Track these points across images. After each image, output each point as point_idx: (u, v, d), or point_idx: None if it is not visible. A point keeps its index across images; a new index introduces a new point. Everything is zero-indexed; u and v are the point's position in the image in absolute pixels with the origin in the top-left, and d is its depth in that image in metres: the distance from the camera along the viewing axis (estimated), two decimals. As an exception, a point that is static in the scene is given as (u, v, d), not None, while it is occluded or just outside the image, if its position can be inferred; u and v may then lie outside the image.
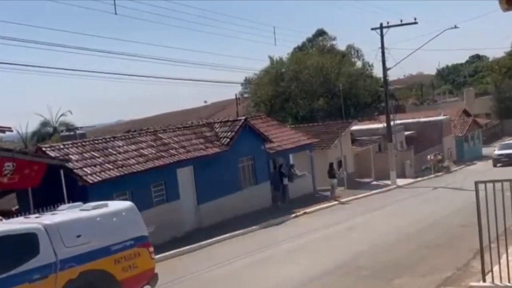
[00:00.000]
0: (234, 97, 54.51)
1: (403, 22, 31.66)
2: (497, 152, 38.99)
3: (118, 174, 16.85)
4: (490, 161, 38.60)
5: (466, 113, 52.74)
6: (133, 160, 18.00)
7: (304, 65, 48.98)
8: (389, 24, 31.86)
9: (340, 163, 29.54)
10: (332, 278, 11.18)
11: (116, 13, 19.53)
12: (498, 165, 37.34)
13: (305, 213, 21.52)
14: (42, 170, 14.85)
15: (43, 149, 16.67)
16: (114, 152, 18.08)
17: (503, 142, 42.81)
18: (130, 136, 20.17)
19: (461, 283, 9.50)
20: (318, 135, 30.44)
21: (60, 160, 15.62)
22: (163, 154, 19.26)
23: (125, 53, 34.41)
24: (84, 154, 17.16)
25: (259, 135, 24.01)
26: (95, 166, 16.70)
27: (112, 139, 19.17)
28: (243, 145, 22.59)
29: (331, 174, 26.64)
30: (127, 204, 10.27)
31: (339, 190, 27.32)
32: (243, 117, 25.22)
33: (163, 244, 16.60)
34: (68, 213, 9.42)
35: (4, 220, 10.31)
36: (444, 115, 46.09)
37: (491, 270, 8.22)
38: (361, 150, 35.00)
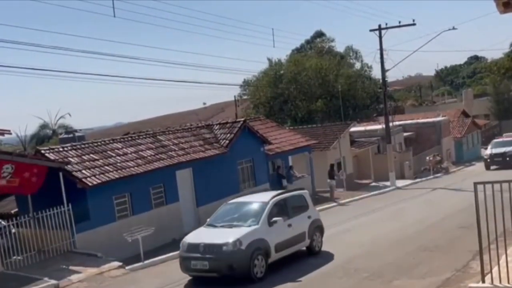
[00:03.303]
0: (233, 99, 54.67)
1: (402, 24, 31.71)
2: (490, 151, 35.88)
3: (117, 176, 16.84)
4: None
5: (464, 114, 52.80)
6: (132, 163, 18.00)
7: (303, 67, 48.99)
8: (388, 26, 31.88)
9: (339, 165, 29.55)
10: (332, 280, 11.21)
11: (114, 16, 19.63)
12: (492, 167, 34.89)
13: (304, 214, 21.44)
14: (42, 176, 14.81)
15: (42, 151, 16.67)
16: (113, 155, 18.07)
17: (496, 140, 38.34)
18: (129, 138, 20.17)
19: (460, 284, 9.52)
20: (317, 137, 30.46)
21: (59, 163, 15.60)
22: (162, 156, 19.26)
23: (124, 56, 34.47)
24: (83, 157, 17.15)
25: (258, 137, 24.01)
26: (94, 168, 16.69)
27: (111, 141, 19.17)
28: (242, 147, 22.59)
29: (331, 175, 26.65)
30: None
31: (339, 191, 27.32)
32: (242, 119, 25.21)
33: (162, 246, 16.62)
34: None
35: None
36: (442, 116, 46.14)
37: (491, 271, 8.22)
38: (360, 151, 35.02)
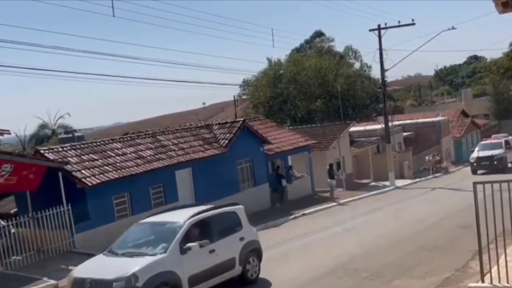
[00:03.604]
0: (232, 98, 54.70)
1: (401, 24, 31.76)
2: (476, 154, 32.98)
3: (116, 176, 16.85)
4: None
5: (464, 114, 52.81)
6: (131, 163, 18.00)
7: (302, 67, 49.00)
8: (387, 26, 31.94)
9: (338, 165, 29.54)
10: (331, 279, 11.20)
11: (114, 16, 19.62)
12: (479, 171, 31.81)
13: (303, 214, 21.50)
14: (40, 174, 14.83)
15: (42, 151, 16.67)
16: (113, 155, 18.08)
17: (483, 142, 35.60)
18: (129, 138, 20.18)
19: (460, 284, 9.53)
20: (317, 137, 30.46)
21: (58, 163, 15.60)
22: (161, 156, 19.26)
23: (124, 56, 34.46)
24: (83, 157, 17.16)
25: (257, 137, 24.01)
26: (93, 168, 16.70)
27: (110, 141, 19.17)
28: (242, 147, 22.59)
29: (330, 175, 26.67)
30: None
31: (338, 191, 27.32)
32: (242, 119, 25.21)
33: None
34: None
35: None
36: (442, 116, 46.15)
37: (490, 271, 8.22)
38: (360, 151, 35.04)
